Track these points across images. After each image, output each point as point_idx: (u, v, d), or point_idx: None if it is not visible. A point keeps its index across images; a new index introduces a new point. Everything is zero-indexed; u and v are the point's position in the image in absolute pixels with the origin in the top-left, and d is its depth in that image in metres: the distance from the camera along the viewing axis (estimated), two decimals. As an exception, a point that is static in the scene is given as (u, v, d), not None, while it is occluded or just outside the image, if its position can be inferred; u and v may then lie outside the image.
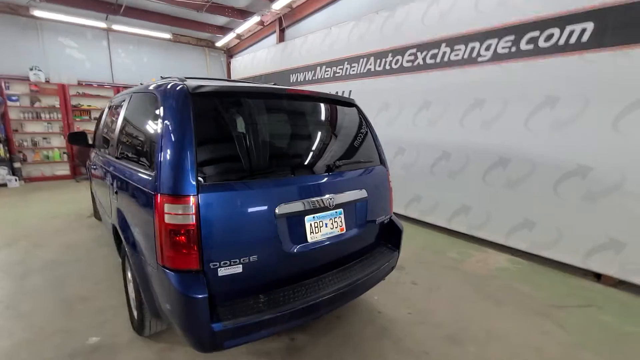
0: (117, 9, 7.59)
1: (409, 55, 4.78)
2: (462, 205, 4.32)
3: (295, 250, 1.84)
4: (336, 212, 2.05)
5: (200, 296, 1.49)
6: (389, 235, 2.53)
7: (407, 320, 2.54)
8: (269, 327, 1.69)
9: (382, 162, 2.53)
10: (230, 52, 10.97)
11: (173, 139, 1.60)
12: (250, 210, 1.67)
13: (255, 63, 9.11)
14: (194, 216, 1.53)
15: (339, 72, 6.14)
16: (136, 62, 9.38)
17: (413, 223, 4.94)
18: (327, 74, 6.45)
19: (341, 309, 2.64)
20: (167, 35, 8.69)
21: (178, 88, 1.75)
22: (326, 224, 2.00)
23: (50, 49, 8.01)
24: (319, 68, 6.65)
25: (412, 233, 4.59)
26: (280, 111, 2.13)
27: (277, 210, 1.73)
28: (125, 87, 7.64)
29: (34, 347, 2.18)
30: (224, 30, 9.41)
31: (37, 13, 7.03)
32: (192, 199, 1.52)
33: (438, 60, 4.40)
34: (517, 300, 2.88)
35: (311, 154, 2.14)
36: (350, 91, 5.87)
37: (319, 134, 2.28)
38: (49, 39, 7.98)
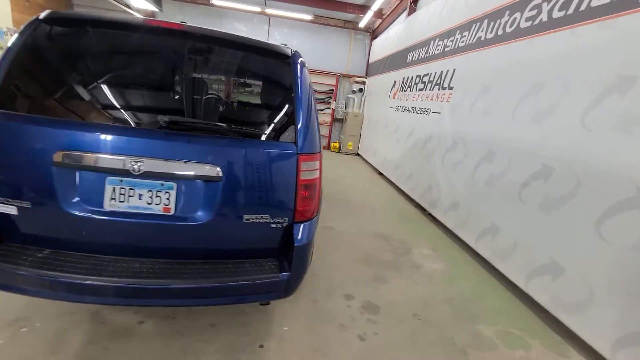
0: (272, -7, 8.61)
1: (530, 10, 3.05)
2: (550, 261, 2.51)
3: (80, 213, 1.49)
4: (162, 184, 1.53)
5: None
6: (283, 249, 1.73)
7: (278, 378, 1.70)
8: (26, 286, 1.46)
9: (297, 142, 1.69)
10: (374, 34, 10.52)
11: None
12: (23, 149, 1.45)
13: (387, 44, 8.36)
14: None
15: (448, 46, 4.72)
16: (288, 43, 10.46)
17: (482, 264, 3.33)
18: (437, 49, 5.11)
19: (225, 318, 2.04)
20: (309, 17, 9.15)
21: None
22: (140, 196, 1.52)
23: (229, 31, 10.04)
24: (432, 42, 5.35)
25: (464, 275, 3.10)
26: (125, 46, 1.74)
27: (54, 157, 1.43)
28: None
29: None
30: (364, 9, 9.04)
31: (214, 2, 8.88)
32: None
33: (570, 10, 2.58)
34: None
35: (135, 100, 1.68)
36: (454, 70, 4.42)
37: (167, 79, 1.76)
38: (228, 24, 10.01)
